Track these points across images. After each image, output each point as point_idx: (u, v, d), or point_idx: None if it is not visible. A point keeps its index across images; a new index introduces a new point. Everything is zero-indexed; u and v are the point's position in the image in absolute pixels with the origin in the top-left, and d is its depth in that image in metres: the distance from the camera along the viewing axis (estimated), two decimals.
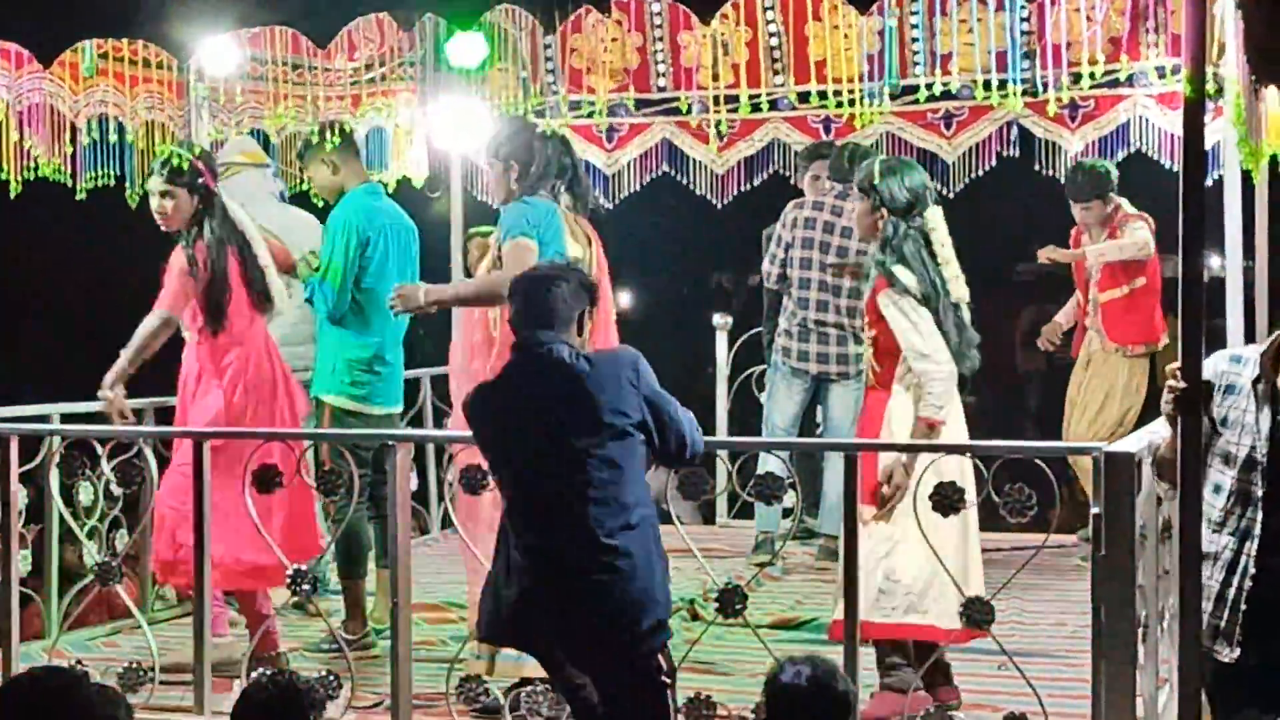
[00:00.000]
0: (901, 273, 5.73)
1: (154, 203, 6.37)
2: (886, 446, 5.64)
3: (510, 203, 5.99)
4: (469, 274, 6.43)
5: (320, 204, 7.19)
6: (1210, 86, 5.33)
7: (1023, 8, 6.77)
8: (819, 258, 8.09)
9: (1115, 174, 8.18)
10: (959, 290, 5.86)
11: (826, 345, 8.17)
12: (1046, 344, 8.83)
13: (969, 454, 5.35)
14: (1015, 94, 6.82)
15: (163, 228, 6.40)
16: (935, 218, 5.92)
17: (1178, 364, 4.50)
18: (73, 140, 7.29)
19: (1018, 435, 7.14)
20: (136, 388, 6.62)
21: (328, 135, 6.71)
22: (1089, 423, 8.39)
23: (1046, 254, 8.40)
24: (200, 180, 6.32)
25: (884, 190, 5.85)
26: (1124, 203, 8.35)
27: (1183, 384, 4.46)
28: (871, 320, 5.83)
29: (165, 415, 7.07)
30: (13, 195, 7.23)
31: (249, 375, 6.32)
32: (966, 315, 5.88)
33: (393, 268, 6.78)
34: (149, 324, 6.37)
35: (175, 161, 6.32)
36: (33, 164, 7.23)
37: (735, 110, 7.68)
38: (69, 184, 7.40)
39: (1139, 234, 8.15)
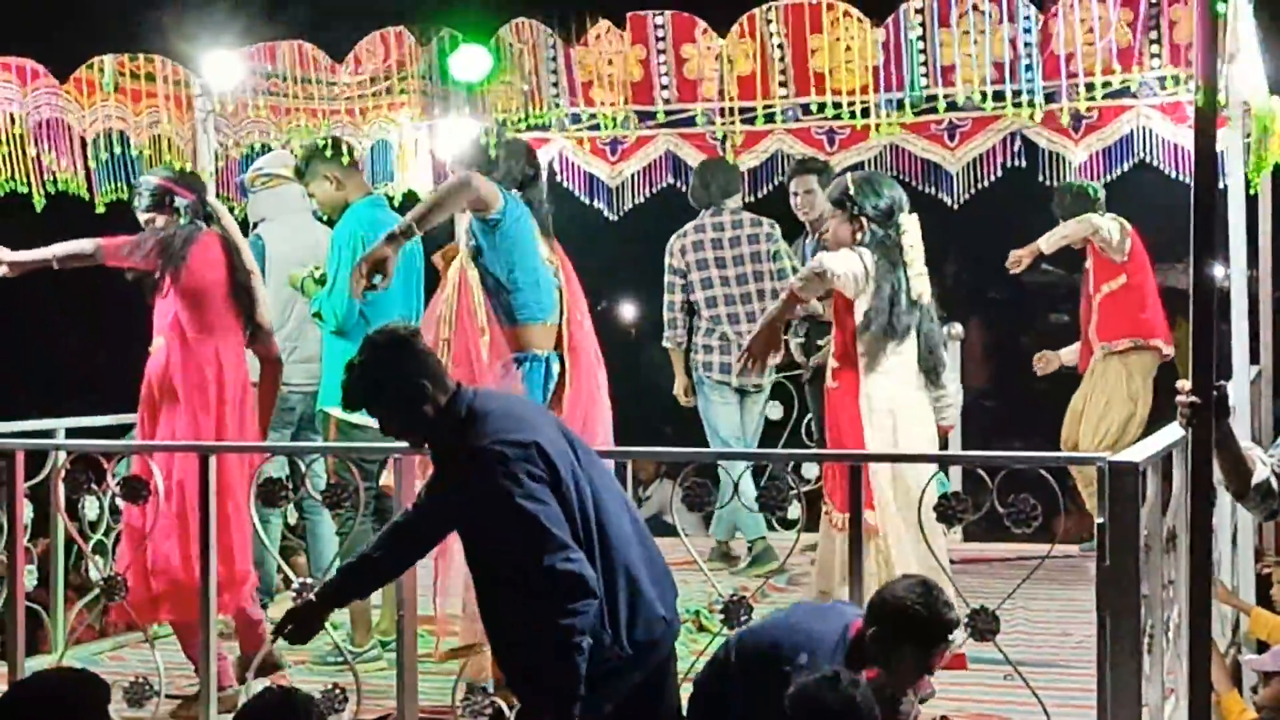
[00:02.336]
0: (832, 262, 6.07)
1: (145, 230, 6.29)
2: (889, 458, 5.65)
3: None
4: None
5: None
6: (1220, 98, 5.33)
7: (1026, 19, 6.78)
8: (717, 274, 8.19)
9: (1102, 194, 8.26)
10: (920, 285, 6.12)
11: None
12: (1039, 368, 8.94)
13: (974, 465, 5.35)
14: (1027, 103, 6.82)
15: None
16: (910, 224, 6.16)
17: (1187, 381, 4.48)
18: (86, 155, 7.32)
19: (1026, 446, 7.13)
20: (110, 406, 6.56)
21: (328, 151, 6.71)
22: (1092, 431, 8.43)
23: (1013, 261, 8.50)
24: (174, 199, 6.21)
25: (862, 201, 6.09)
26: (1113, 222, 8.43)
27: (1193, 397, 4.44)
28: (836, 314, 6.16)
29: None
30: (38, 209, 7.26)
31: (222, 394, 6.19)
32: (928, 314, 6.17)
33: (398, 280, 6.78)
34: (74, 243, 6.20)
35: (150, 188, 6.23)
36: (50, 178, 7.26)
37: (741, 122, 7.69)
38: (86, 197, 7.43)
39: (1089, 216, 8.31)
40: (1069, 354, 8.93)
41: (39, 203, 7.24)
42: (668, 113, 7.82)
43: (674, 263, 8.26)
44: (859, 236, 6.10)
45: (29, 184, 7.14)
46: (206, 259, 6.16)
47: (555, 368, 6.02)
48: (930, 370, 6.18)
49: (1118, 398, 8.44)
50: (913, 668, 4.60)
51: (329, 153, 6.71)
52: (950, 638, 4.61)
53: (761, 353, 6.27)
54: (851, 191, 6.13)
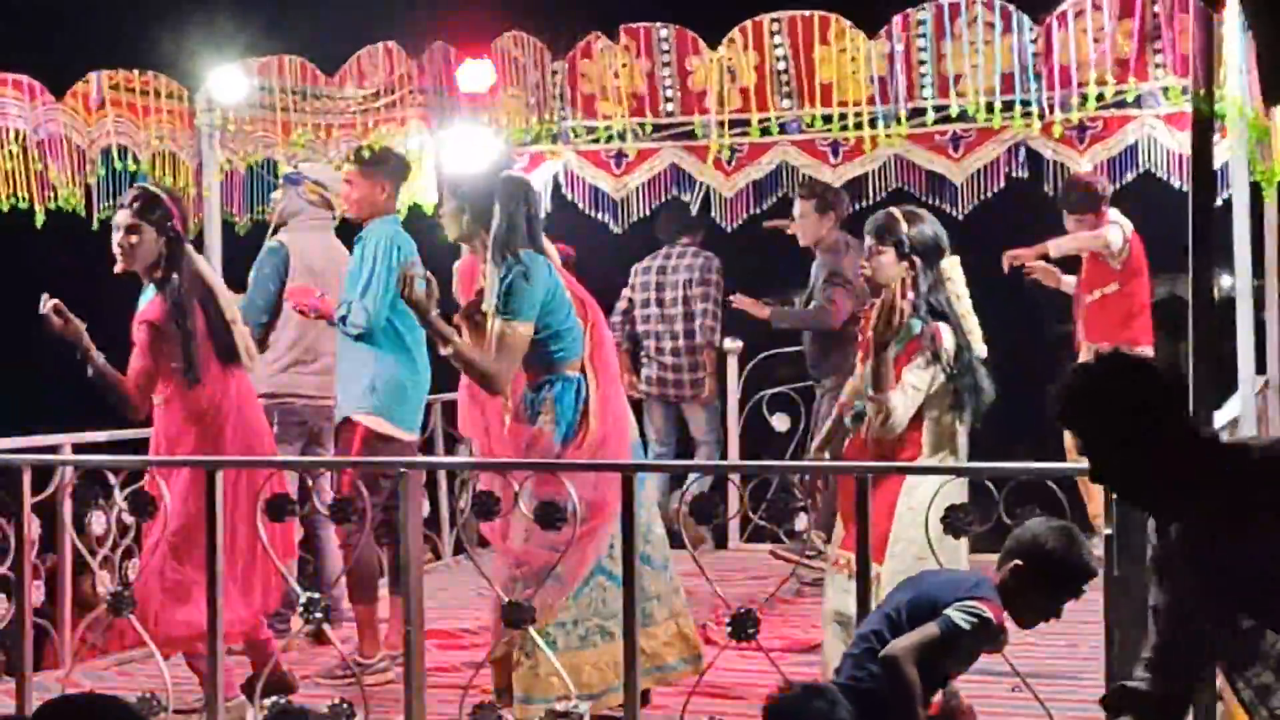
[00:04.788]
0: (945, 333, 5.59)
1: (116, 236, 6.16)
2: (903, 469, 5.62)
3: (513, 267, 5.90)
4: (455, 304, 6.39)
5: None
6: (1219, 107, 5.33)
7: (1030, 29, 6.78)
8: (655, 296, 9.55)
9: (1109, 191, 8.30)
10: (978, 346, 5.78)
11: (665, 372, 9.56)
12: (1011, 260, 8.87)
13: (982, 476, 5.34)
14: (1034, 115, 6.82)
15: (119, 265, 6.18)
16: (952, 267, 5.80)
17: None
18: (87, 170, 7.33)
19: (1033, 457, 7.14)
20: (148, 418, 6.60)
21: (392, 161, 6.82)
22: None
23: (1010, 256, 8.56)
24: (170, 222, 6.13)
25: (913, 237, 5.66)
26: (1120, 218, 8.47)
27: None
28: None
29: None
30: (39, 225, 7.26)
31: (221, 443, 6.15)
32: (983, 372, 5.76)
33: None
34: (118, 385, 6.13)
35: (146, 196, 6.14)
36: (53, 193, 7.27)
37: (743, 134, 7.69)
38: (83, 214, 7.43)
39: (1104, 230, 8.31)
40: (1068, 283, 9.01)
41: (40, 219, 7.24)
42: (671, 125, 7.82)
43: (628, 293, 9.64)
44: (911, 275, 5.65)
45: (30, 199, 7.15)
46: (198, 323, 6.12)
47: (583, 389, 6.05)
48: (976, 412, 5.83)
49: None
50: (1041, 609, 4.70)
51: (394, 162, 6.83)
52: (1085, 588, 4.67)
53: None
54: (901, 225, 5.68)
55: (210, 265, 6.48)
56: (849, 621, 5.32)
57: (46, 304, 6.07)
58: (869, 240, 5.81)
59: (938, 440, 5.68)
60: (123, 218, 6.15)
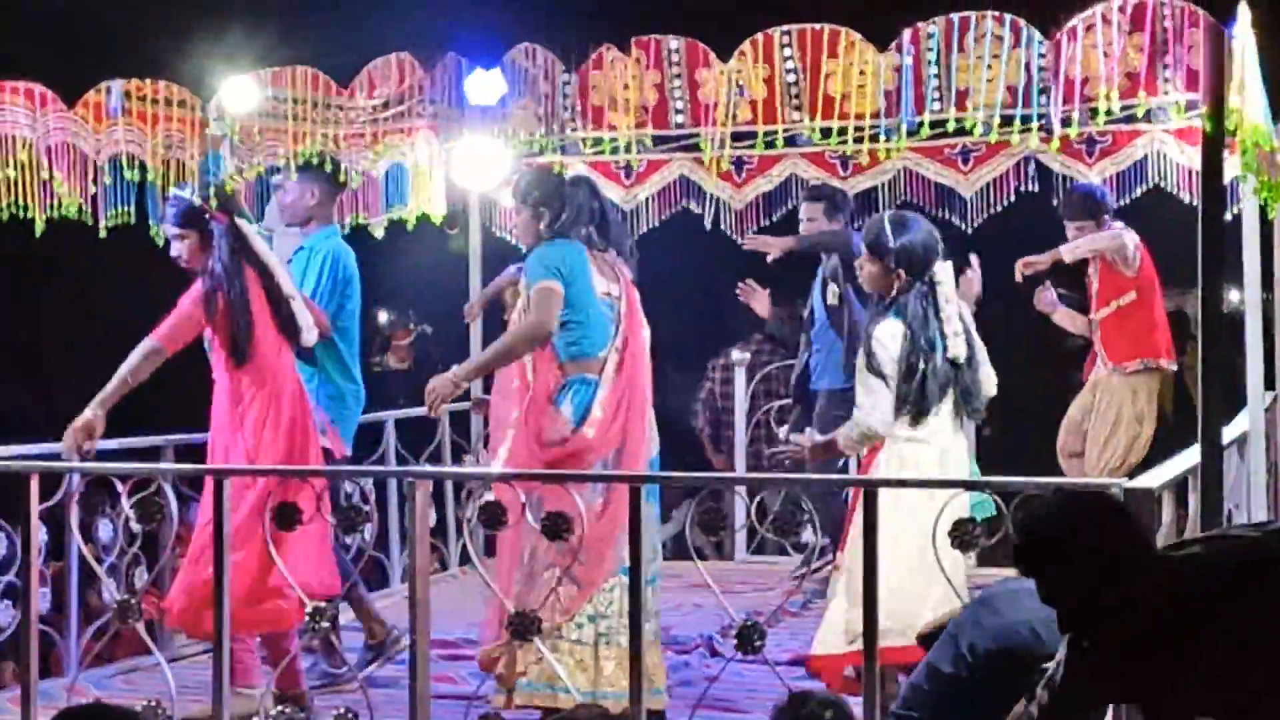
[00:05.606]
0: (883, 336, 5.85)
1: (173, 247, 6.44)
2: (905, 483, 5.63)
3: (537, 247, 6.05)
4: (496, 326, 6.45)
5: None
6: (1230, 123, 5.33)
7: (1040, 43, 6.78)
8: None
9: (1110, 199, 8.25)
10: (956, 348, 5.89)
11: None
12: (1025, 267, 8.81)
13: (989, 489, 5.34)
14: (1034, 129, 6.82)
15: (185, 268, 6.44)
16: (944, 272, 5.94)
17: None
18: (95, 179, 7.33)
19: (1041, 471, 7.12)
20: (156, 425, 6.62)
21: (327, 165, 6.82)
22: (1098, 453, 8.43)
23: (1023, 264, 8.48)
24: (209, 220, 6.34)
25: (901, 250, 5.89)
26: (1124, 229, 8.43)
27: None
28: None
29: (185, 454, 7.08)
30: (38, 234, 7.27)
31: (272, 419, 6.28)
32: (953, 374, 5.93)
33: (357, 312, 6.92)
34: (136, 353, 6.28)
35: (178, 204, 6.39)
36: (56, 202, 7.28)
37: (750, 147, 7.71)
38: (90, 222, 7.43)
39: (1120, 230, 8.23)
40: (1070, 322, 8.93)
41: (39, 227, 7.26)
42: (681, 137, 7.83)
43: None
44: (896, 285, 5.92)
45: (30, 208, 7.15)
46: (249, 300, 6.26)
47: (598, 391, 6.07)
48: (972, 412, 6.07)
49: (1125, 419, 8.42)
50: None
51: (328, 167, 6.81)
52: None
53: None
54: (888, 235, 5.94)
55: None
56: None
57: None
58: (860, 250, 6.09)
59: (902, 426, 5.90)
60: (168, 230, 6.44)
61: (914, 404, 5.87)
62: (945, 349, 5.88)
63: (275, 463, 6.18)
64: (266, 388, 6.28)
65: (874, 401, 5.86)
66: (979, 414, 6.13)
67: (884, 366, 5.86)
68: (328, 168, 7.06)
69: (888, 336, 5.87)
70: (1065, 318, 8.92)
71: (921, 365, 5.83)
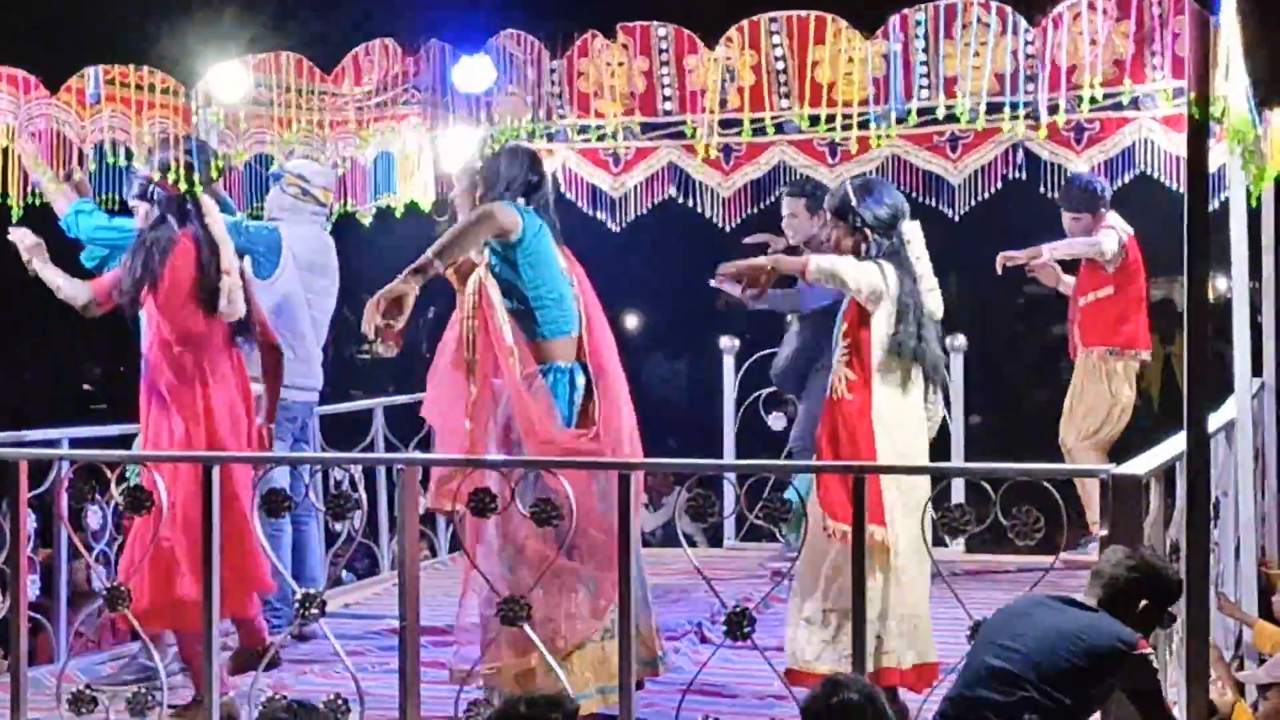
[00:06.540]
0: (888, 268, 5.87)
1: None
2: (892, 469, 5.64)
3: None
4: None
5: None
6: (1215, 110, 5.34)
7: (1026, 31, 6.78)
8: None
9: (1109, 192, 8.32)
10: (932, 304, 5.98)
11: None
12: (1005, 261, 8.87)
13: (978, 477, 5.36)
14: (1022, 116, 6.82)
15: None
16: (913, 231, 6.01)
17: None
18: (80, 165, 7.32)
19: (1029, 458, 7.13)
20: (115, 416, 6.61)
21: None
22: (1075, 428, 8.66)
23: (1004, 258, 8.64)
24: (154, 190, 6.50)
25: (864, 211, 5.95)
26: (1118, 221, 8.50)
27: None
28: (850, 326, 5.92)
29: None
30: (14, 220, 7.26)
31: (209, 404, 6.28)
32: (936, 331, 6.01)
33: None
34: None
35: (138, 181, 6.55)
36: (35, 188, 7.26)
37: (737, 134, 7.70)
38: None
39: (1100, 237, 8.42)
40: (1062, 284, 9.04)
41: (17, 214, 7.24)
42: (669, 124, 7.82)
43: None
44: (863, 248, 6.00)
45: (8, 194, 7.14)
46: (178, 265, 6.26)
47: (580, 379, 6.01)
48: (935, 384, 6.11)
49: (1100, 397, 8.63)
50: (1148, 623, 4.69)
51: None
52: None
53: (746, 278, 6.34)
54: (852, 200, 6.00)
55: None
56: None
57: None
58: (820, 219, 6.34)
59: (887, 370, 5.87)
60: (130, 201, 6.62)
61: (905, 342, 5.86)
62: (921, 306, 5.94)
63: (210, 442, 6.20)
64: (196, 373, 6.28)
65: (856, 268, 5.89)
66: (936, 390, 6.10)
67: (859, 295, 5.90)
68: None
69: (859, 273, 5.90)
70: (1068, 287, 9.05)
71: (911, 304, 5.84)
